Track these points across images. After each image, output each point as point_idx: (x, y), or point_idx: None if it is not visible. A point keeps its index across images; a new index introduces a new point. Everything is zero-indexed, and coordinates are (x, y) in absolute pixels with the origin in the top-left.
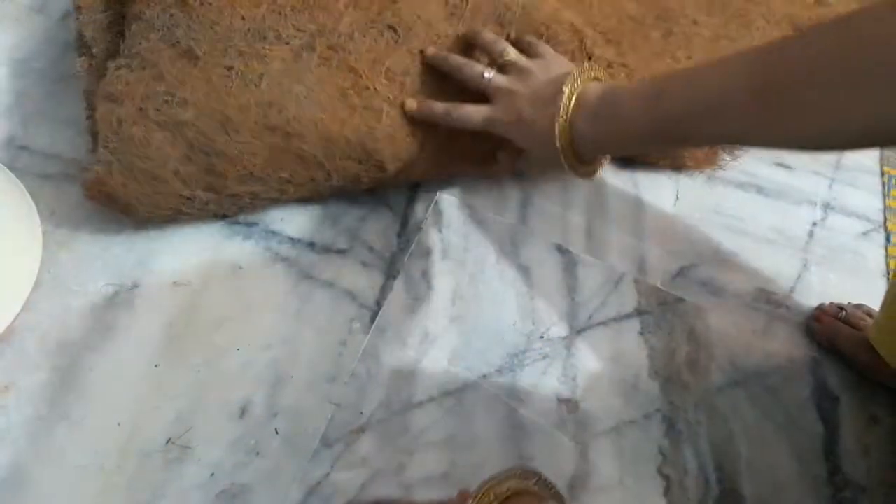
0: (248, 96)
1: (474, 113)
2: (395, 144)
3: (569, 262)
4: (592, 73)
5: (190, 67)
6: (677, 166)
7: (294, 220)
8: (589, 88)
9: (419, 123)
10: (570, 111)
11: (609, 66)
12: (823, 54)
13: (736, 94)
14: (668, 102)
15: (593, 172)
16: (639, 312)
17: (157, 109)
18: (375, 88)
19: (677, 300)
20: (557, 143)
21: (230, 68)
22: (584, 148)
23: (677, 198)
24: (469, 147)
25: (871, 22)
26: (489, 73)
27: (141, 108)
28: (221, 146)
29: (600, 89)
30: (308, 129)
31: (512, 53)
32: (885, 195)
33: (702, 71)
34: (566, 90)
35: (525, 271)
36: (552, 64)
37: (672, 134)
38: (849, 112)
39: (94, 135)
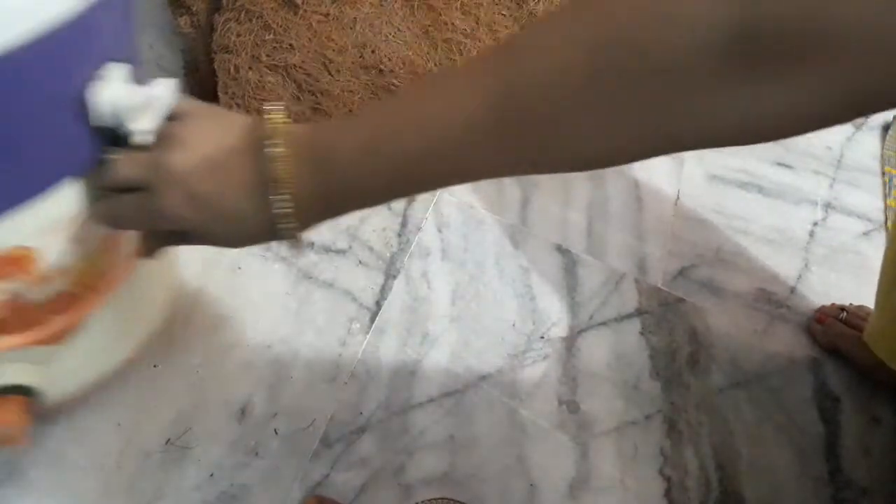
0: (345, 39)
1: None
2: None
3: (569, 262)
4: (280, 117)
5: (291, 15)
6: None
7: None
8: (292, 134)
9: None
10: (279, 166)
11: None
12: (574, 58)
13: (478, 122)
14: (397, 142)
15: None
16: (639, 312)
17: (268, 55)
18: (453, 23)
19: (678, 300)
20: (274, 210)
21: (327, 15)
22: (306, 210)
23: (678, 198)
24: None
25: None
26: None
27: (254, 56)
28: (325, 85)
29: (307, 133)
30: (398, 65)
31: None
32: (885, 195)
33: (435, 90)
34: (267, 141)
35: (525, 271)
36: (206, 119)
37: (412, 178)
38: (622, 131)
39: (199, 88)
